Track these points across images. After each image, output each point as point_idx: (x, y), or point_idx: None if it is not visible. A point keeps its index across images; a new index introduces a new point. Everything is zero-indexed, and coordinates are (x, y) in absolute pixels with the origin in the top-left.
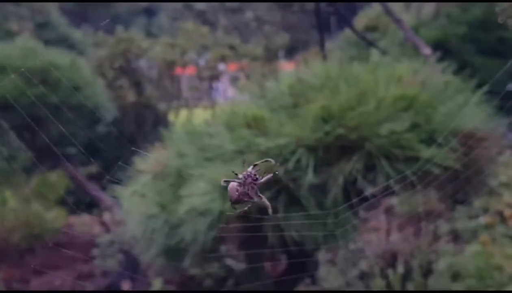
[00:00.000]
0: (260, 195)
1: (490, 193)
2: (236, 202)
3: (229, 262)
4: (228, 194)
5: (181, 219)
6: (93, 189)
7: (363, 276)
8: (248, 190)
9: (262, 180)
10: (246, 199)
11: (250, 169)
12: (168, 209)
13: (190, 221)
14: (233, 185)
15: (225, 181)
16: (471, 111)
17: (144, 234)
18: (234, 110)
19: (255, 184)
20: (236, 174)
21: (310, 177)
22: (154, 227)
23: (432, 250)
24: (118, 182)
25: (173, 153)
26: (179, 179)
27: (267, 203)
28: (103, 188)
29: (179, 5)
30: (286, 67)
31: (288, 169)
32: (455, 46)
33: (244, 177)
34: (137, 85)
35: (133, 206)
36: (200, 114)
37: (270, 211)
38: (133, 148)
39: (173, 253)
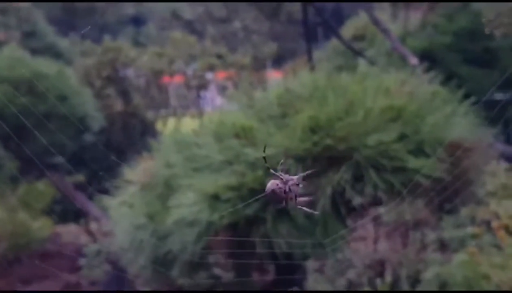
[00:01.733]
0: (298, 198)
1: (477, 202)
2: (272, 192)
3: (217, 271)
4: (267, 185)
5: (169, 230)
6: (80, 198)
7: (351, 285)
8: (287, 189)
9: (300, 186)
10: (282, 195)
11: (296, 176)
12: (156, 220)
13: (178, 231)
14: (275, 180)
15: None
16: (459, 122)
17: (131, 245)
18: (222, 120)
19: (295, 186)
20: (276, 173)
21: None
22: (142, 238)
23: (420, 259)
24: (106, 192)
25: (161, 163)
26: (167, 189)
27: (307, 199)
28: (90, 198)
29: (167, 14)
30: (274, 76)
31: None
32: (441, 56)
33: (287, 178)
34: (125, 94)
35: (121, 216)
36: (188, 123)
37: (313, 211)
38: (120, 158)
39: (161, 263)
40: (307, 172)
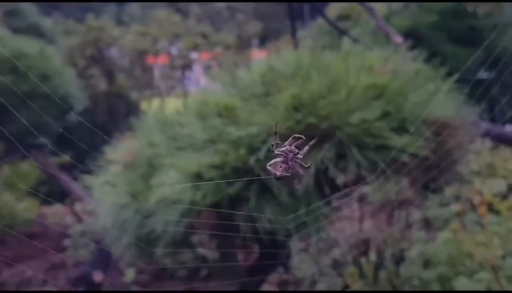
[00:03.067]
0: (305, 165)
1: (461, 181)
2: (280, 177)
3: (202, 251)
4: (271, 171)
5: (152, 209)
6: (65, 179)
7: (336, 264)
8: (292, 164)
9: (303, 151)
10: (290, 174)
11: (287, 144)
12: (139, 199)
13: (161, 210)
14: (276, 162)
15: (269, 165)
16: (442, 100)
17: (115, 224)
18: (205, 99)
19: (297, 157)
20: (273, 151)
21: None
22: (125, 217)
23: (404, 238)
24: (89, 171)
25: (144, 143)
26: (150, 168)
27: (306, 165)
28: (75, 178)
29: None
30: (259, 55)
31: (260, 158)
32: (426, 34)
33: (285, 152)
34: (109, 74)
35: (104, 195)
36: (173, 104)
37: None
38: (104, 138)
39: (145, 243)
40: (310, 143)
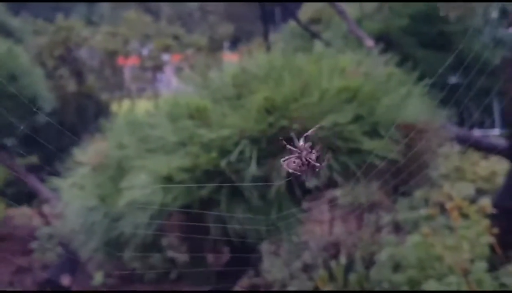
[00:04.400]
0: (318, 164)
1: (431, 185)
2: (293, 173)
3: (172, 254)
4: (285, 167)
5: (121, 212)
6: (32, 180)
7: (306, 267)
8: (306, 161)
9: (317, 151)
10: (304, 169)
11: (301, 142)
12: (108, 202)
13: (131, 213)
14: (290, 158)
15: (283, 160)
16: (413, 103)
17: (83, 227)
18: (176, 101)
19: (311, 156)
20: (287, 146)
21: (253, 169)
22: (94, 220)
23: (374, 241)
24: (57, 173)
25: (114, 144)
26: (120, 170)
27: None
28: (42, 180)
29: None
30: (231, 58)
31: (231, 161)
32: (397, 38)
33: (300, 149)
34: (78, 74)
35: (71, 198)
36: (144, 105)
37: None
38: (73, 140)
39: (113, 246)
40: (312, 130)
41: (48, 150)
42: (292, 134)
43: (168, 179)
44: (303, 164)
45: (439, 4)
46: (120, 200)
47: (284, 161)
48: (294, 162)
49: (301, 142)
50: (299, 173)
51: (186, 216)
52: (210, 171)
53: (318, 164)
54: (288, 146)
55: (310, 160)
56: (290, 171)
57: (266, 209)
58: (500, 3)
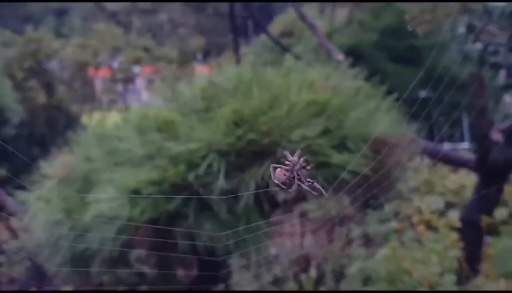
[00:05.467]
0: (309, 180)
1: (400, 198)
2: (282, 184)
3: (140, 268)
4: (275, 176)
5: (88, 226)
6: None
7: (276, 281)
8: (296, 175)
9: (309, 167)
10: (292, 183)
11: (295, 156)
12: (74, 215)
13: (97, 227)
14: (281, 169)
15: (273, 167)
16: (382, 117)
17: (49, 241)
18: (145, 114)
19: (303, 171)
20: (281, 160)
21: (221, 182)
22: (59, 234)
23: (345, 254)
24: (23, 186)
25: (81, 157)
26: (87, 184)
27: (318, 186)
28: (10, 193)
29: (90, 5)
30: (202, 70)
31: (199, 174)
32: (367, 52)
33: (292, 163)
34: (48, 86)
35: (37, 211)
36: (114, 118)
37: (325, 193)
38: (42, 153)
39: (80, 260)
40: (302, 147)
41: (15, 163)
42: (284, 146)
43: (136, 192)
44: (292, 178)
45: (407, 19)
46: (87, 213)
47: (273, 167)
48: (284, 174)
49: (295, 156)
50: (283, 186)
51: (154, 230)
52: (178, 184)
53: (309, 180)
54: (283, 158)
55: (300, 176)
56: (276, 181)
57: (235, 223)
58: (465, 19)
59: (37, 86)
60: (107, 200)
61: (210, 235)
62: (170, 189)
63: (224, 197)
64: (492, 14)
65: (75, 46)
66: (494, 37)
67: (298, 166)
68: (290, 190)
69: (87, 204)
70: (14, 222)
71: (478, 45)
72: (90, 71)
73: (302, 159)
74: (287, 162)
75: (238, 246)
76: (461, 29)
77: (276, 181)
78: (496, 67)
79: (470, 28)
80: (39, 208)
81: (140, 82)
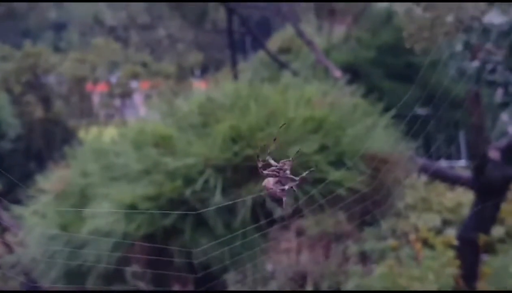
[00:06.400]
0: (295, 178)
1: (397, 215)
2: (273, 194)
3: (135, 283)
4: (265, 186)
5: (84, 241)
6: None
7: None
8: (282, 180)
9: (290, 168)
10: (280, 189)
11: (281, 163)
12: (70, 230)
13: (93, 242)
14: (269, 179)
15: (264, 184)
16: (379, 135)
17: (44, 256)
18: (142, 128)
19: (287, 172)
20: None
21: (218, 198)
22: (55, 249)
23: (341, 271)
24: (19, 201)
25: (77, 172)
26: (83, 198)
27: (296, 178)
28: (6, 208)
29: (89, 20)
30: (200, 86)
31: (196, 190)
32: (364, 69)
33: (276, 170)
34: (46, 101)
35: (33, 226)
36: (112, 132)
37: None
38: (39, 167)
39: (75, 275)
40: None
41: (12, 176)
42: (268, 154)
43: (132, 207)
44: (279, 184)
45: (404, 36)
46: (83, 228)
47: (264, 184)
48: (272, 184)
49: (280, 164)
50: (275, 196)
51: (150, 245)
52: (174, 199)
53: (294, 177)
54: (266, 171)
55: (287, 177)
56: (269, 192)
57: (231, 238)
58: (463, 38)
59: (35, 101)
60: (103, 215)
61: (206, 250)
62: (166, 204)
63: (224, 203)
64: (489, 33)
65: (73, 61)
66: (491, 56)
67: (281, 172)
68: (281, 197)
69: (83, 219)
70: (10, 236)
71: (475, 63)
72: (88, 85)
73: (285, 166)
74: (269, 173)
75: (234, 261)
76: (459, 47)
77: (271, 191)
78: (493, 85)
79: (468, 46)
80: (35, 223)
81: (137, 97)
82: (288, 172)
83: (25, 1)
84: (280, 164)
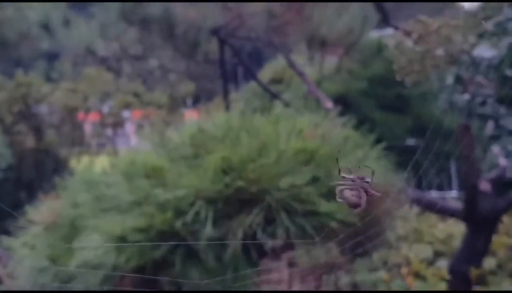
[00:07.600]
0: (372, 191)
1: (388, 246)
2: (353, 204)
3: None
4: (344, 196)
5: (73, 273)
6: None
7: None
8: (359, 190)
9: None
10: (357, 199)
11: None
12: (59, 262)
13: (82, 275)
14: (347, 189)
15: (339, 191)
16: (371, 166)
17: (33, 288)
18: (133, 159)
19: (365, 182)
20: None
21: (209, 230)
22: (43, 282)
23: None
24: (9, 232)
25: (68, 203)
26: (73, 230)
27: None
28: None
29: (81, 50)
30: (192, 116)
31: (187, 222)
32: (355, 100)
33: (353, 179)
34: (37, 130)
35: (22, 258)
36: (103, 162)
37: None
38: (29, 197)
39: None
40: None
41: (1, 207)
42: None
43: (122, 239)
44: (356, 194)
45: (395, 68)
46: (72, 260)
47: (340, 191)
48: (352, 194)
49: (352, 176)
50: (355, 205)
51: (139, 278)
52: (165, 231)
53: (361, 196)
54: (343, 174)
55: (363, 188)
56: (348, 200)
57: (222, 271)
58: (454, 71)
59: (26, 130)
60: (92, 247)
61: (197, 283)
62: (157, 236)
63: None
64: (480, 66)
65: (65, 91)
66: (482, 88)
67: (358, 181)
68: (361, 206)
69: (72, 251)
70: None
71: (466, 96)
72: (80, 115)
73: (361, 175)
74: (351, 181)
75: None
76: (449, 80)
77: (346, 201)
78: (483, 118)
79: (458, 79)
80: (24, 254)
81: (129, 127)
82: (366, 181)
83: None
84: (354, 176)
